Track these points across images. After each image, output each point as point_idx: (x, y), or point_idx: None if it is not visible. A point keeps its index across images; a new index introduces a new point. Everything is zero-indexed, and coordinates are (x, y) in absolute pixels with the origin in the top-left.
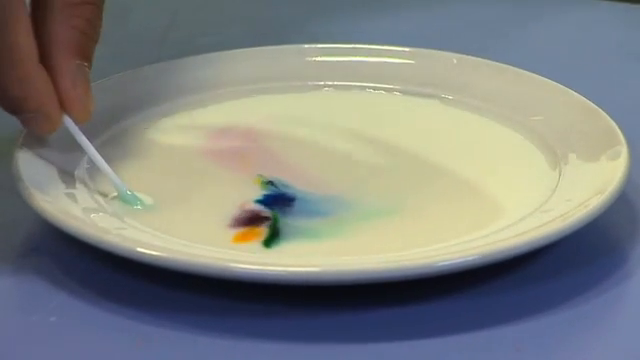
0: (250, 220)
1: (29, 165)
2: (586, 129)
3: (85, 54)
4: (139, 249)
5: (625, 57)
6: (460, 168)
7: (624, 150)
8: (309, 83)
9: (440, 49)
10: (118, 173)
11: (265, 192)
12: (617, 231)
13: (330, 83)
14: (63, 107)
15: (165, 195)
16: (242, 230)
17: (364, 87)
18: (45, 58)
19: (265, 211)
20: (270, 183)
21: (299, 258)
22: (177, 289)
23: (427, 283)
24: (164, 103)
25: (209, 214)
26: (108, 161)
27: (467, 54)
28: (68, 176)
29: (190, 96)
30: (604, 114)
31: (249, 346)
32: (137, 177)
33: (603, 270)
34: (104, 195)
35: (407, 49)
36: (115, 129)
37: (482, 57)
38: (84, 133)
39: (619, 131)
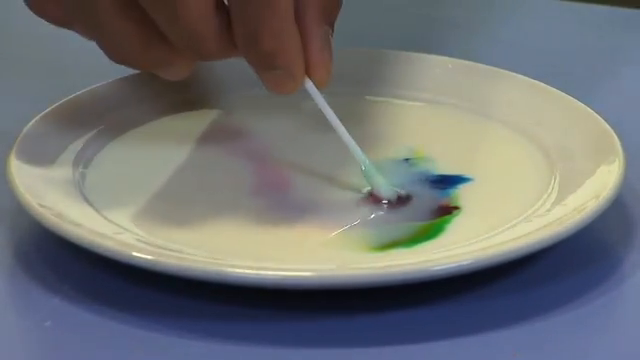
0: (443, 211)
1: (24, 169)
2: (581, 133)
3: (331, 20)
4: (134, 253)
5: (621, 61)
6: (455, 172)
7: (620, 154)
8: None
9: (435, 53)
10: (131, 177)
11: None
12: (612, 235)
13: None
14: (307, 70)
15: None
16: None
17: (359, 92)
18: (297, 19)
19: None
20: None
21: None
22: (173, 294)
23: (420, 287)
24: (164, 107)
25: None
26: (112, 162)
27: (461, 58)
28: (63, 180)
29: (186, 101)
30: (599, 118)
31: (245, 351)
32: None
33: (598, 274)
34: (99, 199)
35: (402, 53)
36: (117, 131)
37: (476, 61)
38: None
39: (615, 135)
